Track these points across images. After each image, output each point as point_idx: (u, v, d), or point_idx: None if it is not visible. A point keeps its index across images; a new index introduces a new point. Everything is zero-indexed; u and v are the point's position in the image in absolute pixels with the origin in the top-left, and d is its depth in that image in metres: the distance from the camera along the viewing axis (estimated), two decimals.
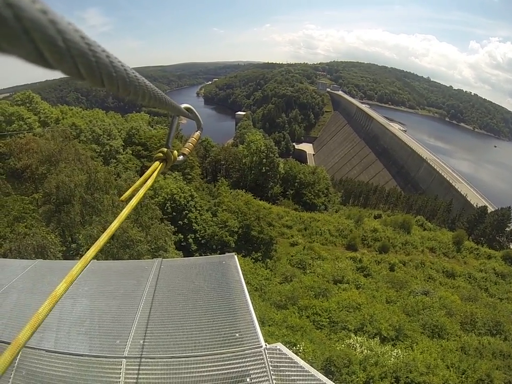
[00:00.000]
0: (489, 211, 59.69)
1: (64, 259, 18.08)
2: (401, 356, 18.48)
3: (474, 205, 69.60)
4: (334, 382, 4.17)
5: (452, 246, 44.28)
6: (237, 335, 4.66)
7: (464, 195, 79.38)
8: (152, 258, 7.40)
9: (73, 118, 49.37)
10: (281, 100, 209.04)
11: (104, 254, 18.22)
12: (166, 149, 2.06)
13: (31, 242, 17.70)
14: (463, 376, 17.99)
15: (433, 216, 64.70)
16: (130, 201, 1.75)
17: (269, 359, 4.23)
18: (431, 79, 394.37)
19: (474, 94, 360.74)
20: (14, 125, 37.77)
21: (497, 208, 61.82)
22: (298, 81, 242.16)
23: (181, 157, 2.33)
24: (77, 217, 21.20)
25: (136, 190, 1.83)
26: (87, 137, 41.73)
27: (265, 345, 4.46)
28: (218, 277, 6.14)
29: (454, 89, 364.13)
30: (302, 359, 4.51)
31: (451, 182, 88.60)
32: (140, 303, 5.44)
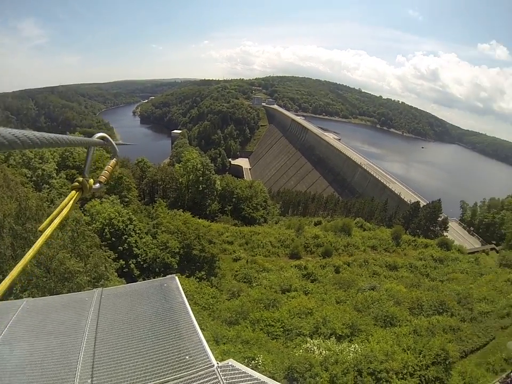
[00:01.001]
0: (421, 205, 64.09)
1: None
2: (359, 349, 18.95)
3: (408, 202, 73.98)
4: None
5: (391, 241, 46.81)
6: (187, 357, 4.51)
7: (398, 194, 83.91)
8: (93, 289, 6.67)
9: None
10: (216, 116, 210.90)
11: (40, 290, 16.70)
12: (82, 178, 2.08)
13: None
14: (421, 355, 18.74)
15: (371, 217, 67.50)
16: (45, 231, 1.73)
17: (223, 377, 4.13)
18: (362, 90, 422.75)
19: (401, 102, 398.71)
20: None
21: (428, 202, 66.55)
22: (234, 97, 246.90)
23: (97, 185, 2.32)
24: (8, 251, 19.17)
25: (54, 219, 1.81)
26: (17, 160, 38.27)
27: (217, 363, 4.37)
28: (161, 300, 5.97)
29: (384, 99, 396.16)
30: (263, 371, 4.17)
31: (385, 183, 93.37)
32: (83, 338, 5.03)
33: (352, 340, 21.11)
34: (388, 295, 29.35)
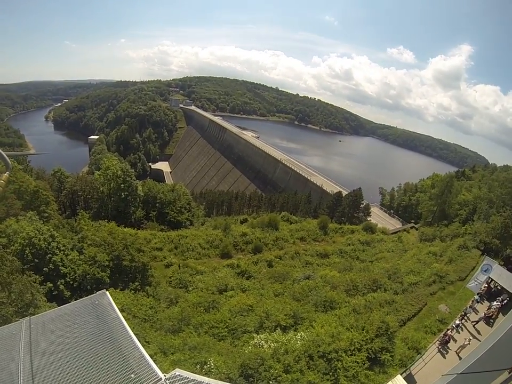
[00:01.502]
0: (344, 195, 68.39)
1: None
2: (306, 336, 19.80)
3: (330, 192, 78.40)
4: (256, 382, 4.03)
5: (319, 231, 49.11)
6: (132, 375, 4.37)
7: (320, 185, 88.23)
8: (21, 319, 6.07)
9: None
10: (134, 120, 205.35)
11: None
12: None
13: None
14: (364, 331, 20.00)
15: (296, 210, 69.67)
16: None
17: None
18: (280, 89, 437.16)
19: (318, 99, 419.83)
20: None
21: (350, 191, 71.29)
22: (151, 99, 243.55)
23: None
24: None
25: None
26: None
27: (164, 376, 4.33)
28: (94, 319, 5.76)
29: (301, 97, 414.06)
30: (217, 374, 4.18)
31: (307, 176, 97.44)
32: (19, 376, 4.61)
33: (297, 329, 21.83)
34: (324, 282, 30.92)
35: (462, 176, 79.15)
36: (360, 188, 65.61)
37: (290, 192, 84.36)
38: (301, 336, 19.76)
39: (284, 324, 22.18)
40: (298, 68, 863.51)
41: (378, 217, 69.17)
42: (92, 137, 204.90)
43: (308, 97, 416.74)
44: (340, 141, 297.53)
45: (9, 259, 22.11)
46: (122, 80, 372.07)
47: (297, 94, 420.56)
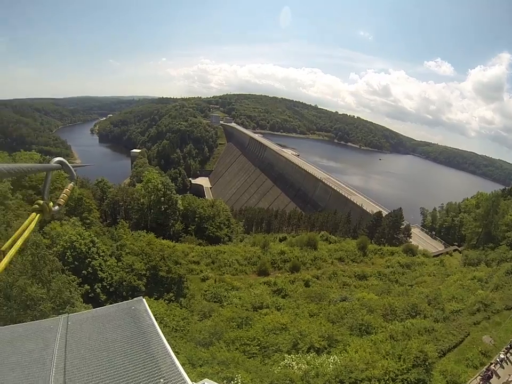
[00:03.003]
0: (384, 215, 66.05)
1: None
2: (339, 360, 18.80)
3: (370, 212, 75.65)
4: None
5: (357, 252, 47.60)
6: (162, 380, 4.32)
7: (360, 205, 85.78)
8: (58, 316, 6.13)
9: None
10: (175, 135, 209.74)
11: (1, 319, 16.03)
12: (41, 201, 2.14)
13: None
14: (400, 360, 18.75)
15: (336, 229, 68.39)
16: (9, 252, 1.78)
17: None
18: (319, 106, 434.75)
19: (357, 117, 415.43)
20: None
21: (390, 211, 68.86)
22: (192, 116, 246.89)
23: (56, 207, 2.36)
24: None
25: (16, 240, 1.86)
26: None
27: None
28: (130, 324, 5.80)
29: (340, 114, 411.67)
30: None
31: (346, 196, 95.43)
32: (51, 369, 4.67)
33: (330, 352, 20.95)
34: (360, 304, 29.54)
35: (508, 195, 72.24)
36: (400, 208, 63.47)
37: (330, 211, 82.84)
38: (334, 360, 18.83)
39: (318, 346, 21.35)
40: (336, 85, 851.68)
41: (419, 239, 65.79)
42: (134, 150, 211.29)
43: (347, 114, 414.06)
44: (380, 159, 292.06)
45: (51, 259, 23.09)
46: (164, 96, 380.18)
47: (336, 112, 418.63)
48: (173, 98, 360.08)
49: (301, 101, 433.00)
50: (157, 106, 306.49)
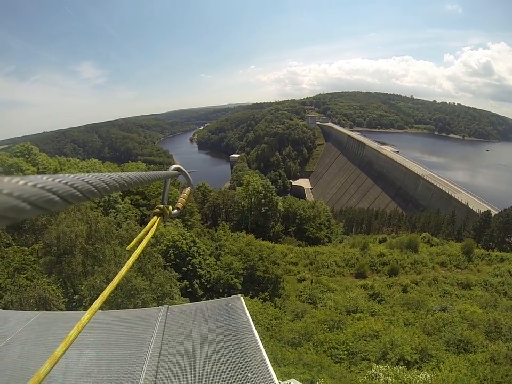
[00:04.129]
0: (493, 214, 59.25)
1: (67, 310, 17.68)
2: (430, 379, 17.05)
3: (477, 212, 69.26)
4: None
5: (462, 256, 43.40)
6: (249, 375, 4.56)
7: (466, 204, 78.98)
8: (159, 306, 7.22)
9: (71, 169, 49.40)
10: (273, 139, 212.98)
11: (108, 304, 17.74)
12: (162, 205, 2.35)
13: (32, 294, 17.54)
14: None
15: (438, 231, 63.64)
16: (136, 250, 1.96)
17: None
18: (415, 97, 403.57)
19: (457, 104, 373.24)
20: None
21: (500, 210, 61.80)
22: (288, 118, 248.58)
23: (175, 211, 2.59)
24: (79, 268, 20.95)
25: (140, 241, 2.05)
26: None
27: (279, 382, 4.40)
28: (225, 319, 6.13)
29: (438, 103, 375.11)
30: None
31: (450, 193, 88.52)
32: (148, 350, 5.36)
33: (421, 367, 19.23)
34: (461, 317, 26.75)
35: None
36: None
37: (432, 211, 77.63)
38: (424, 377, 16.91)
39: (408, 359, 19.76)
40: (430, 70, 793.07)
41: None
42: (234, 155, 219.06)
43: (446, 102, 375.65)
44: (487, 150, 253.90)
45: (155, 255, 25.28)
46: (258, 102, 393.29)
47: (434, 101, 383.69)
48: (267, 102, 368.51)
49: (395, 93, 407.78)
50: (252, 112, 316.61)
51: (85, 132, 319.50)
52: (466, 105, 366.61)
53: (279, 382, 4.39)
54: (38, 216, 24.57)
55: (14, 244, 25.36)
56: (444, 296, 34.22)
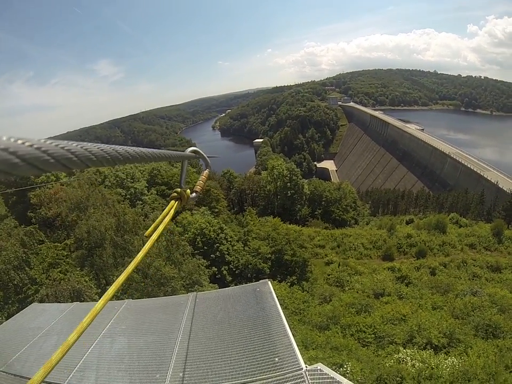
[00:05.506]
0: None
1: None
2: (457, 364, 16.60)
3: (508, 191, 67.09)
4: None
5: (492, 238, 42.06)
6: (276, 359, 4.62)
7: (495, 183, 76.50)
8: (188, 293, 7.54)
9: None
10: (295, 121, 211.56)
11: (139, 292, 18.68)
12: (179, 189, 2.32)
13: (66, 287, 18.43)
14: None
15: (467, 211, 62.25)
16: (152, 236, 1.96)
17: (310, 381, 4.14)
18: (438, 72, 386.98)
19: (484, 77, 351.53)
20: (42, 176, 38.35)
21: None
22: (309, 100, 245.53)
23: (194, 194, 2.58)
24: (110, 260, 21.83)
25: (157, 226, 2.05)
26: (112, 182, 42.70)
27: (306, 367, 4.39)
28: (253, 304, 6.19)
29: (463, 77, 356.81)
30: (351, 380, 4.38)
31: (479, 172, 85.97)
32: (178, 336, 5.55)
33: (449, 352, 18.92)
34: (491, 301, 25.97)
35: None
36: None
37: (460, 190, 75.54)
38: (452, 363, 16.55)
39: (436, 343, 19.44)
40: (454, 42, 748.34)
41: None
42: (257, 140, 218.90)
43: (472, 76, 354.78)
44: None
45: (183, 244, 26.12)
46: (278, 85, 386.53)
47: (459, 75, 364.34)
48: (287, 86, 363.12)
49: (418, 69, 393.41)
50: (272, 95, 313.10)
51: (107, 128, 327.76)
52: (494, 78, 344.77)
53: (306, 367, 4.40)
54: (68, 212, 25.77)
55: (46, 241, 26.75)
56: (472, 279, 33.36)
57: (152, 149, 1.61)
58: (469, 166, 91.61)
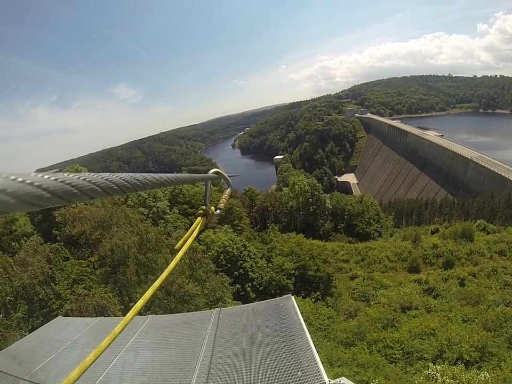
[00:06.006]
0: None
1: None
2: (490, 379, 15.81)
3: None
4: None
5: None
6: (299, 373, 4.64)
7: None
8: (211, 309, 7.62)
9: None
10: (314, 136, 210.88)
11: (162, 309, 18.77)
12: (204, 207, 2.50)
13: (91, 302, 18.70)
14: None
15: (494, 217, 60.34)
16: (182, 248, 2.14)
17: None
18: (453, 75, 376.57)
19: (500, 76, 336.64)
20: None
21: None
22: (326, 114, 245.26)
23: (218, 211, 2.73)
24: (133, 277, 22.26)
25: (186, 240, 2.23)
26: (134, 201, 43.48)
27: (329, 381, 4.41)
28: (276, 318, 6.22)
29: (479, 78, 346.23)
30: None
31: (504, 175, 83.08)
32: (201, 351, 5.62)
33: (481, 367, 18.09)
34: None
35: None
36: None
37: (486, 195, 73.11)
38: (484, 378, 15.67)
39: (467, 358, 18.72)
40: (465, 43, 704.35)
41: None
42: (277, 157, 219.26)
43: (487, 76, 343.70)
44: None
45: (206, 262, 26.32)
46: (294, 101, 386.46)
47: (475, 76, 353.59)
48: (304, 101, 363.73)
49: (432, 74, 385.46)
50: (290, 111, 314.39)
51: (128, 149, 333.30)
52: (510, 76, 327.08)
53: (329, 381, 4.40)
54: (92, 230, 26.35)
55: (71, 258, 27.36)
56: (504, 288, 31.80)
57: (176, 174, 1.72)
58: (492, 169, 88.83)
